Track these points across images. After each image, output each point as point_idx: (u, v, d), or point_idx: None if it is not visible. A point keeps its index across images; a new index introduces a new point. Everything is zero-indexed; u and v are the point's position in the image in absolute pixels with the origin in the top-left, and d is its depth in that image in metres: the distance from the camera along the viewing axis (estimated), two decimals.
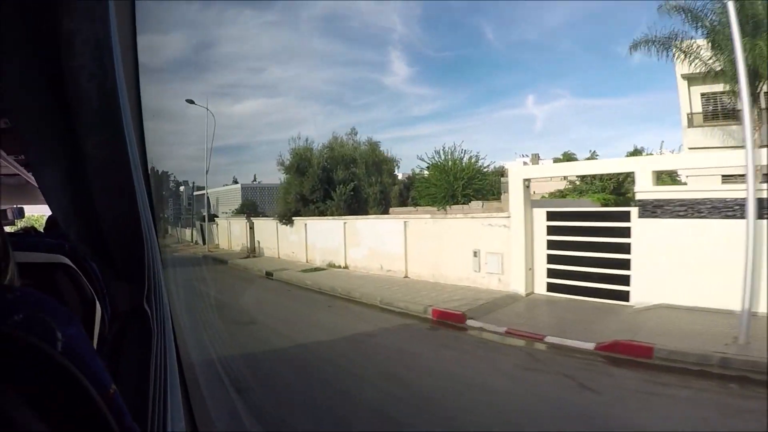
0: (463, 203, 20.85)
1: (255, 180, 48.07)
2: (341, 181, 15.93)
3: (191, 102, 24.42)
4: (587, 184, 20.63)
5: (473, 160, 21.84)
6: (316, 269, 14.49)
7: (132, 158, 0.66)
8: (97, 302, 1.07)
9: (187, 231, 33.58)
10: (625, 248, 8.85)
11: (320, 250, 15.63)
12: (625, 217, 8.95)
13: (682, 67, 13.45)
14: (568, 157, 48.86)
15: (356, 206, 16.09)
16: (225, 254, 21.92)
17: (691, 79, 14.91)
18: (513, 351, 6.71)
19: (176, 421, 0.76)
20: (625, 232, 8.88)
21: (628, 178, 21.06)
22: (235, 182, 47.83)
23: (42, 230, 2.98)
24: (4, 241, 0.59)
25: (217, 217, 27.89)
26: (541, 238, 10.03)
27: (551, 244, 9.94)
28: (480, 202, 25.14)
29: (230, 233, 24.10)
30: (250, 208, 25.98)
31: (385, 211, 16.37)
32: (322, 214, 15.99)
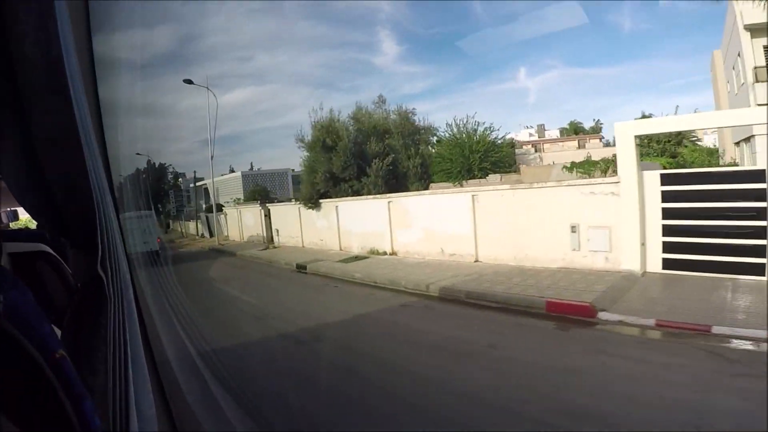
0: (480, 177, 19.58)
1: (252, 168, 46.22)
2: (376, 154, 13.72)
3: (189, 82, 22.04)
4: (644, 147, 18.66)
5: (487, 132, 20.39)
6: (357, 258, 12.46)
7: (81, 124, 0.65)
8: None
9: (191, 224, 31.38)
10: (761, 214, 7.14)
11: (357, 235, 13.57)
12: (760, 177, 7.17)
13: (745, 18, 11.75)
14: (575, 127, 47.12)
15: (393, 182, 13.97)
16: (239, 246, 19.79)
17: (754, 31, 13.37)
18: (691, 351, 4.85)
19: (141, 390, 0.76)
20: (761, 195, 7.13)
21: (684, 140, 19.40)
22: (232, 171, 45.81)
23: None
24: None
25: (225, 205, 25.51)
26: (655, 206, 8.13)
27: (667, 213, 8.07)
28: (497, 175, 23.57)
29: (241, 223, 21.90)
30: (262, 194, 23.70)
31: (426, 187, 14.34)
32: (356, 193, 13.85)
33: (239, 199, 27.87)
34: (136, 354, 0.81)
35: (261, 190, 25.35)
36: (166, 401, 1.26)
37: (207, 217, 27.28)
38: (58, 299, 1.18)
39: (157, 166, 36.08)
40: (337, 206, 14.22)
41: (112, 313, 0.75)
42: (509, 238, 9.78)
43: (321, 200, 14.77)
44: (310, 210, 15.23)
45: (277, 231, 18.00)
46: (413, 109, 15.48)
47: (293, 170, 50.14)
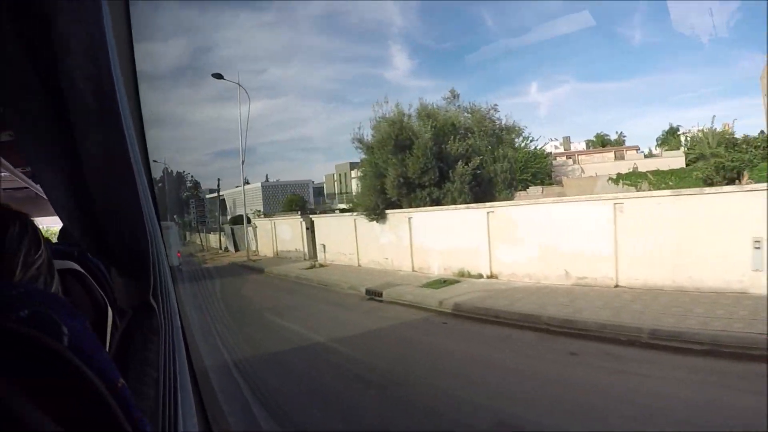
0: (521, 189, 17.62)
1: (267, 180, 45.19)
2: (458, 156, 11.50)
3: (219, 76, 20.27)
4: (739, 153, 16.48)
5: (526, 141, 18.45)
6: (444, 282, 10.10)
7: (132, 154, 0.66)
8: (109, 306, 1.08)
9: (212, 237, 29.25)
10: None
11: (438, 253, 11.23)
12: None
13: None
14: (601, 139, 45.54)
15: (477, 189, 11.70)
16: (272, 263, 17.51)
17: None
18: None
19: (188, 417, 0.80)
20: None
21: None
22: (247, 183, 44.64)
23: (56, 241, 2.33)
24: (49, 258, 0.74)
25: (259, 215, 23.19)
26: None
27: None
28: (538, 188, 21.27)
29: (275, 236, 19.63)
30: (300, 204, 21.54)
31: (512, 196, 12.12)
32: (435, 202, 11.58)
33: (259, 211, 26.14)
34: (184, 381, 0.83)
35: (298, 200, 23.18)
36: (208, 423, 1.28)
37: (232, 230, 25.00)
38: (89, 317, 1.07)
39: (174, 174, 34.55)
40: (410, 218, 11.92)
41: (163, 340, 0.77)
42: (664, 257, 7.49)
43: (387, 211, 12.50)
44: (373, 222, 12.95)
45: (323, 246, 15.70)
46: (495, 105, 13.31)
47: (313, 182, 49.06)
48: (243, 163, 19.12)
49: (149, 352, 0.74)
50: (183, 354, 0.93)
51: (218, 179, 30.77)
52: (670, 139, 30.86)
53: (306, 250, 16.84)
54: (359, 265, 13.96)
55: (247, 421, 3.80)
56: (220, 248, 26.57)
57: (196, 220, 30.16)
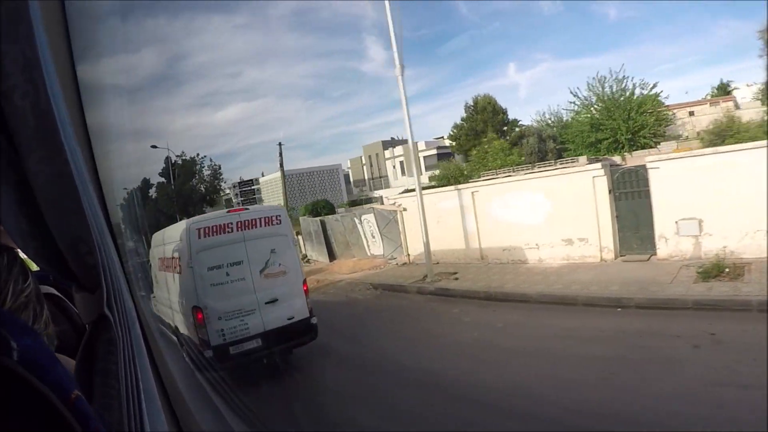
0: (651, 147, 16.62)
1: (263, 175, 43.58)
2: None
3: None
4: None
5: (643, 88, 17.01)
6: None
7: (75, 170, 0.69)
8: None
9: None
10: None
11: None
12: None
13: None
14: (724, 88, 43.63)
15: None
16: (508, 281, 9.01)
17: None
18: None
19: (155, 424, 0.82)
20: None
21: None
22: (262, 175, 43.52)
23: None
24: (37, 287, 0.76)
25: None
26: None
27: None
28: (672, 142, 18.69)
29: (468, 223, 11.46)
30: (325, 207, 18.73)
31: None
32: None
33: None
34: (149, 388, 0.87)
35: (323, 204, 19.38)
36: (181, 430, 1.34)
37: (323, 225, 16.19)
38: (67, 340, 1.15)
39: (180, 162, 29.26)
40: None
41: (121, 349, 0.78)
42: None
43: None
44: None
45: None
46: None
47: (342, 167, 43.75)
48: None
49: (110, 363, 0.76)
50: (145, 362, 0.95)
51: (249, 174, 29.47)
52: (720, 94, 30.56)
53: (615, 237, 9.06)
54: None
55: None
56: (302, 256, 16.74)
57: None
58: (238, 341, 5.24)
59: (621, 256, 9.02)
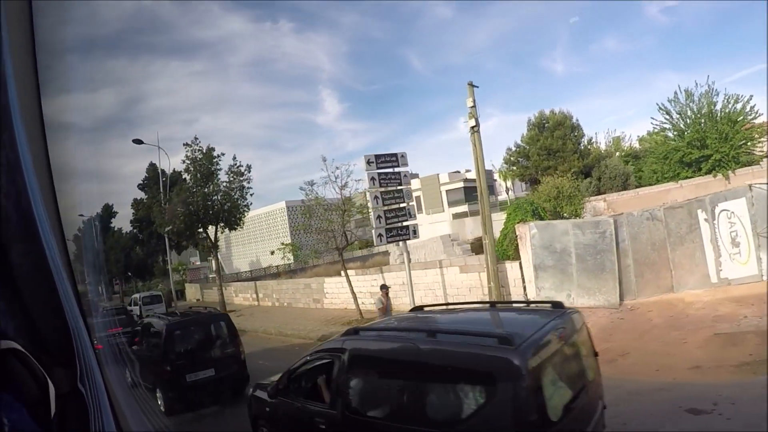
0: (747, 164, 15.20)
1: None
2: None
3: (138, 142, 22.35)
4: None
5: (730, 101, 16.21)
6: None
7: (52, 262, 0.78)
8: (49, 381, 1.07)
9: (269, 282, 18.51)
10: None
11: None
12: None
13: None
14: None
15: None
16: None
17: None
18: None
19: None
20: None
21: None
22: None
23: None
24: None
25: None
26: None
27: None
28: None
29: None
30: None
31: None
32: None
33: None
34: None
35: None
36: None
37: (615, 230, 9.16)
38: (30, 392, 1.12)
39: (188, 161, 18.72)
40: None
41: (93, 423, 0.92)
42: None
43: None
44: None
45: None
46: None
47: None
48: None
49: (82, 430, 0.83)
50: (112, 426, 1.03)
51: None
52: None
53: None
54: None
55: None
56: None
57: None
58: None
59: None
